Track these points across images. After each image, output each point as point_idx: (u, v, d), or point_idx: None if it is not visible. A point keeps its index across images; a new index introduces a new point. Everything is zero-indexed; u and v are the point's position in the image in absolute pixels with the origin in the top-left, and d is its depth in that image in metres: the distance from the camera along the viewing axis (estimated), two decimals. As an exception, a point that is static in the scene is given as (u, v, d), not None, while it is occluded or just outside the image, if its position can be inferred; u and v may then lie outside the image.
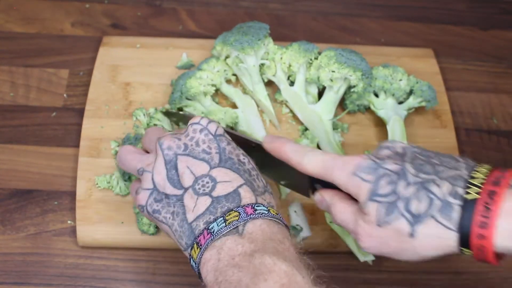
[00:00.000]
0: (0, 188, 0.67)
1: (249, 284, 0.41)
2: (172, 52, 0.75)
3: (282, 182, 0.59)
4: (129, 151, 0.55)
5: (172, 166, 0.49)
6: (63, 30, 0.79)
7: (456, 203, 0.42)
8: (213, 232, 0.45)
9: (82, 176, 0.66)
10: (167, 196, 0.49)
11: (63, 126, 0.71)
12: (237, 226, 0.45)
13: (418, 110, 0.72)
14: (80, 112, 0.71)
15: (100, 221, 0.63)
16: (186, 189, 0.48)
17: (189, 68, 0.74)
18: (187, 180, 0.48)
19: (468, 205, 0.42)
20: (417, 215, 0.43)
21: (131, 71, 0.73)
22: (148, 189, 0.50)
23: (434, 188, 0.43)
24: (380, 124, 0.71)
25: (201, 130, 0.51)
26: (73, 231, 0.65)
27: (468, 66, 0.81)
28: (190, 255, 0.48)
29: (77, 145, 0.69)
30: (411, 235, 0.43)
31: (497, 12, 0.86)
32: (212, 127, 0.51)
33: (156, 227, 0.62)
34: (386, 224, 0.44)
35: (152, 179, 0.50)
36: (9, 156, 0.69)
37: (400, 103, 0.71)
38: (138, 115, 0.69)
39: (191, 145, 0.50)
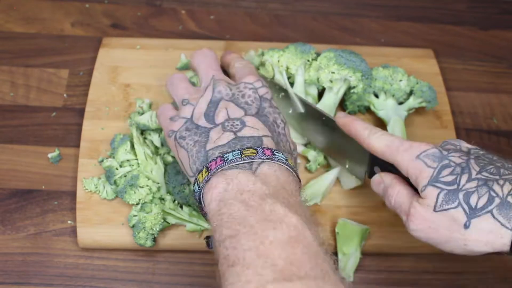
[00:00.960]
0: (0, 188, 0.67)
1: (256, 227, 0.41)
2: (172, 53, 0.75)
3: (342, 162, 0.63)
4: (182, 80, 0.59)
5: (213, 105, 0.54)
6: (63, 30, 0.79)
7: None
8: (226, 159, 0.46)
9: (83, 177, 0.66)
10: (197, 127, 0.52)
11: (63, 126, 0.71)
12: (252, 163, 0.46)
13: (419, 111, 0.72)
14: (80, 112, 0.71)
15: (100, 222, 0.63)
16: (216, 125, 0.51)
17: (188, 69, 0.74)
18: (220, 118, 0.52)
19: None
20: (474, 208, 0.44)
21: (131, 73, 0.73)
22: (185, 118, 0.54)
23: (495, 187, 0.44)
24: (380, 124, 0.71)
25: (251, 89, 0.54)
26: (73, 231, 0.65)
27: (468, 66, 0.81)
28: (196, 179, 0.48)
29: (77, 145, 0.69)
30: (466, 226, 0.44)
31: (497, 12, 0.86)
32: (261, 91, 0.55)
33: (153, 240, 0.62)
34: (443, 211, 0.45)
35: (193, 111, 0.54)
36: (9, 156, 0.69)
37: (401, 103, 0.71)
38: (140, 102, 0.70)
39: (237, 94, 0.54)
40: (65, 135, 0.71)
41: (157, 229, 0.61)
